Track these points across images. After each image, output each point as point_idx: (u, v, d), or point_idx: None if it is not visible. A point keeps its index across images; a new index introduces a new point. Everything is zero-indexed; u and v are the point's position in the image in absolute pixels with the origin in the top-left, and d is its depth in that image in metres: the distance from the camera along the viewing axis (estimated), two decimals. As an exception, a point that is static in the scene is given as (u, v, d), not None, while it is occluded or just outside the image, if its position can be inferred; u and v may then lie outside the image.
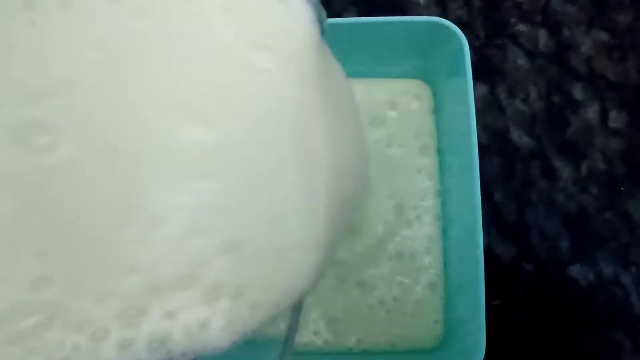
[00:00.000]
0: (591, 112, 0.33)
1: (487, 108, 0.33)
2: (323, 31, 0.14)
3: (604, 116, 0.33)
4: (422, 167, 0.30)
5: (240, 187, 0.12)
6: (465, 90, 0.27)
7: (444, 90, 0.30)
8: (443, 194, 0.30)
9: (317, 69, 0.13)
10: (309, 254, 0.13)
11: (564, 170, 0.32)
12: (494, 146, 0.33)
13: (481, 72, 0.33)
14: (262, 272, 0.13)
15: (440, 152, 0.31)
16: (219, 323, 0.12)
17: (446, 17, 0.28)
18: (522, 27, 0.34)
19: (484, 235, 0.26)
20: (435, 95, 0.31)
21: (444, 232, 0.30)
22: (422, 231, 0.30)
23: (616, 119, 0.33)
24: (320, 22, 0.13)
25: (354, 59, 0.31)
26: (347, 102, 0.15)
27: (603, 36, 0.33)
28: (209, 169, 0.12)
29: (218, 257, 0.12)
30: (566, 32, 0.33)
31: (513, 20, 0.34)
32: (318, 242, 0.13)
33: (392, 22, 0.29)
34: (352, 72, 0.30)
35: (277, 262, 0.13)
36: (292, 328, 0.15)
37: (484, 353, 0.26)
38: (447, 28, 0.28)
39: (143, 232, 0.11)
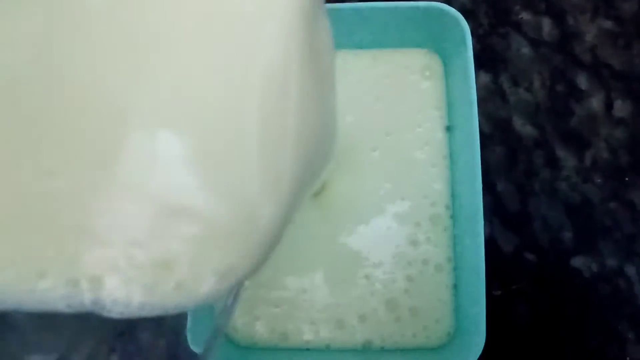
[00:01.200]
0: (595, 102, 0.32)
1: (490, 97, 0.33)
2: None
3: (608, 105, 0.32)
4: (430, 146, 0.30)
5: (201, 130, 0.12)
6: (467, 77, 0.27)
7: (449, 73, 0.30)
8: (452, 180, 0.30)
9: (302, 24, 0.12)
10: (270, 208, 0.13)
11: (568, 159, 0.32)
12: (496, 135, 0.32)
13: (484, 60, 0.33)
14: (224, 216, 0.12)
15: (449, 129, 0.30)
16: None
17: (450, 5, 0.28)
18: (525, 16, 0.33)
19: (486, 225, 0.26)
20: (445, 67, 0.31)
21: (454, 219, 0.29)
22: (429, 219, 0.29)
23: (621, 108, 0.32)
24: None
25: (358, 39, 0.31)
26: (328, 67, 0.15)
27: (608, 24, 0.33)
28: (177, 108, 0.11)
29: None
30: (570, 21, 0.33)
31: (517, 8, 0.34)
32: (280, 201, 0.13)
33: (394, 8, 0.29)
34: (358, 44, 0.30)
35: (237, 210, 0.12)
36: (231, 304, 0.14)
37: (483, 344, 0.26)
38: (448, 14, 0.28)
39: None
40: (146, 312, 0.12)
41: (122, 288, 0.12)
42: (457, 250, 0.29)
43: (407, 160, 0.30)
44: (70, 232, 0.12)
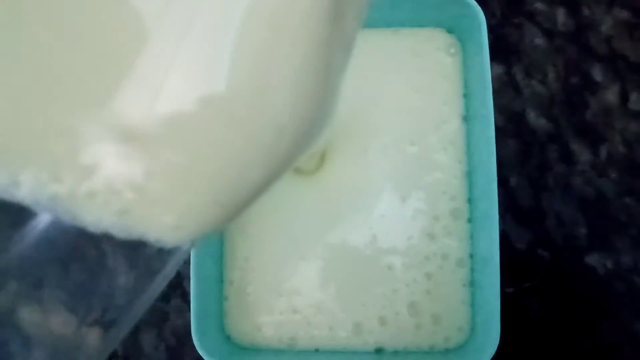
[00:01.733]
0: (611, 94, 0.31)
1: (503, 89, 0.32)
2: None
3: (624, 98, 0.31)
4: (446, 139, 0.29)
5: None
6: (482, 66, 0.26)
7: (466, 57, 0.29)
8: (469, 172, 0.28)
9: None
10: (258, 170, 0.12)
11: (582, 153, 0.31)
12: (509, 128, 0.32)
13: (497, 51, 0.32)
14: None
15: (466, 118, 0.29)
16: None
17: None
18: (540, 5, 0.32)
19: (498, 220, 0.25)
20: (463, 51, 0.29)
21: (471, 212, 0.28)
22: (446, 215, 0.28)
23: (637, 101, 0.31)
24: None
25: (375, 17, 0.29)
26: (350, 36, 0.14)
27: (624, 15, 0.32)
28: None
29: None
30: (586, 11, 0.32)
31: (530, -3, 0.33)
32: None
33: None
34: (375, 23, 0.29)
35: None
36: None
37: (497, 345, 0.25)
38: (462, 1, 0.27)
39: None
40: (113, 231, 0.12)
41: (102, 194, 0.11)
42: (472, 247, 0.28)
43: (422, 149, 0.29)
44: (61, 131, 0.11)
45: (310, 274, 0.28)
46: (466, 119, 0.28)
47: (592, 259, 0.31)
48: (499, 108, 0.31)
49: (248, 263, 0.28)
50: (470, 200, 0.28)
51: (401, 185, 0.28)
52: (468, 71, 0.28)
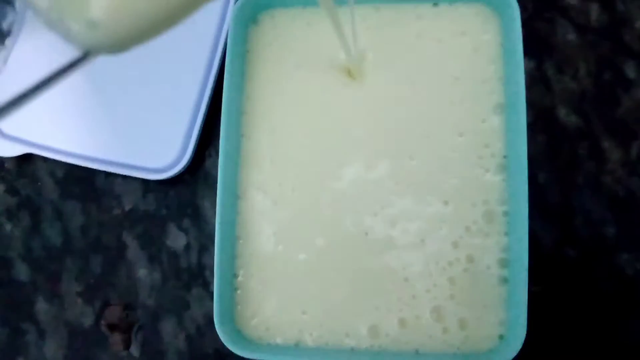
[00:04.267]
0: (644, 92, 0.31)
1: (533, 84, 0.31)
2: None
3: (657, 96, 0.31)
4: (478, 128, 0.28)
5: None
6: (515, 57, 0.26)
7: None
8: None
9: None
10: None
11: (613, 151, 0.31)
12: (539, 124, 0.31)
13: (528, 46, 0.31)
14: None
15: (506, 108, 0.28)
16: None
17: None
18: (572, 0, 0.32)
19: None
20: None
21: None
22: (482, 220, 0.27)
23: (671, 99, 0.31)
24: None
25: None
26: None
27: (660, 11, 0.31)
28: None
29: None
30: (620, 6, 0.32)
31: (564, -8, 0.32)
32: None
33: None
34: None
35: None
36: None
37: (521, 345, 0.25)
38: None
39: None
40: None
41: None
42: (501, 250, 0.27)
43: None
44: None
45: (322, 271, 0.27)
46: (502, 109, 0.27)
47: (621, 259, 0.30)
48: (529, 103, 0.30)
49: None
50: (501, 202, 0.27)
51: (434, 184, 0.27)
52: (506, 57, 0.27)
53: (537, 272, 0.29)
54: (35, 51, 0.34)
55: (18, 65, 0.34)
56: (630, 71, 0.31)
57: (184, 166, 0.32)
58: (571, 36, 0.32)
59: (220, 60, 0.32)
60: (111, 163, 0.33)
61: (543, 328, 0.29)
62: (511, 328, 0.26)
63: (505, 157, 0.27)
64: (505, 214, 0.26)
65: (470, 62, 0.27)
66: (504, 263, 0.26)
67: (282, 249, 0.27)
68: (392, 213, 0.27)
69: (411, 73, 0.28)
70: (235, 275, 0.27)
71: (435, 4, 0.28)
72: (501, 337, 0.26)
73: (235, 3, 0.29)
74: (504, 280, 0.26)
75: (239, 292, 0.27)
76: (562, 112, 0.31)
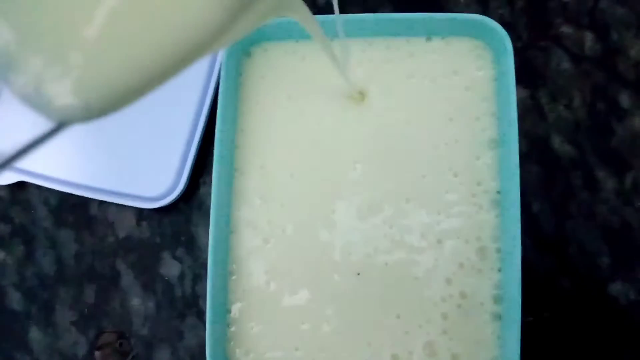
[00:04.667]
0: (638, 121, 0.31)
1: (527, 113, 0.31)
2: None
3: (651, 126, 0.31)
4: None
5: None
6: (508, 93, 0.26)
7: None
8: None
9: None
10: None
11: (607, 181, 0.31)
12: (533, 154, 0.31)
13: (522, 75, 0.31)
14: None
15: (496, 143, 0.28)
16: None
17: (488, 17, 0.26)
18: (567, 29, 0.32)
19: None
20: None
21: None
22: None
23: (665, 129, 0.31)
24: None
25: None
26: None
27: (654, 41, 0.31)
28: None
29: None
30: (614, 35, 0.32)
31: (558, 21, 0.32)
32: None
33: (432, 19, 0.27)
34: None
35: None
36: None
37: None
38: (487, 26, 0.27)
39: None
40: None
41: None
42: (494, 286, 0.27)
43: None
44: None
45: (315, 308, 0.27)
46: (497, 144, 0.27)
47: (615, 289, 0.30)
48: (523, 132, 0.31)
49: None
50: (494, 238, 0.27)
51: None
52: (499, 92, 0.27)
53: (531, 302, 0.29)
54: (19, 112, 0.34)
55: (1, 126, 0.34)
56: (624, 101, 0.31)
57: (178, 195, 0.32)
58: (565, 65, 0.32)
59: (214, 90, 0.32)
60: (105, 191, 0.33)
61: (535, 358, 0.29)
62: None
63: (498, 192, 0.27)
64: (498, 250, 0.26)
65: (463, 101, 0.27)
66: (497, 299, 0.26)
67: (274, 287, 0.27)
68: (385, 255, 0.27)
69: (406, 114, 0.28)
70: (228, 311, 0.27)
71: (429, 39, 0.28)
72: (495, 371, 0.26)
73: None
74: (497, 317, 0.26)
75: (232, 328, 0.27)
76: (556, 142, 0.31)
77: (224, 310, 0.27)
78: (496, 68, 0.27)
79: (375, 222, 0.27)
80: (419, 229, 0.27)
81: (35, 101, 0.14)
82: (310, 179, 0.28)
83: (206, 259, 0.32)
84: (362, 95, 0.28)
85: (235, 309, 0.27)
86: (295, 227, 0.27)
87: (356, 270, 0.27)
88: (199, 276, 0.32)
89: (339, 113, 0.28)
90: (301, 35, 0.28)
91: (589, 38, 0.32)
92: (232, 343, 0.27)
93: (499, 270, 0.26)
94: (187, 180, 0.32)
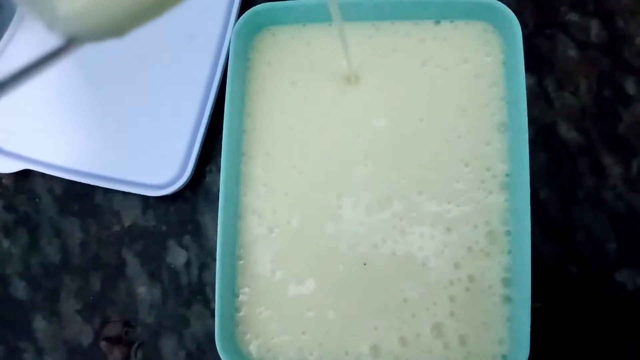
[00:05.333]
0: (644, 108, 0.31)
1: (534, 100, 0.31)
2: None
3: (657, 112, 0.31)
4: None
5: None
6: (517, 74, 0.26)
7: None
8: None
9: None
10: None
11: (614, 167, 0.31)
12: (540, 141, 0.31)
13: (529, 62, 0.31)
14: None
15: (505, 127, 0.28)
16: None
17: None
18: (573, 16, 0.32)
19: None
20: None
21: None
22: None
23: (671, 115, 0.31)
24: None
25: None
26: None
27: (659, 27, 0.31)
28: None
29: None
30: (620, 22, 0.32)
31: (564, 8, 0.32)
32: None
33: (442, 1, 0.27)
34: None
35: None
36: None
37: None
38: (496, 9, 0.27)
39: None
40: None
41: None
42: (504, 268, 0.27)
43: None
44: None
45: (320, 297, 0.27)
46: (505, 127, 0.27)
47: (622, 275, 0.30)
48: (530, 120, 0.31)
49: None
50: (504, 222, 0.27)
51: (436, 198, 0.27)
52: (508, 76, 0.27)
53: (538, 289, 0.29)
54: (27, 48, 0.34)
55: (9, 61, 0.34)
56: (630, 87, 0.31)
57: (185, 182, 0.32)
58: (572, 52, 0.32)
59: (221, 76, 0.32)
60: (110, 179, 0.32)
61: (544, 345, 0.29)
62: (514, 348, 0.26)
63: (507, 175, 0.27)
64: (508, 233, 0.26)
65: (473, 90, 0.27)
66: (506, 282, 0.26)
67: (280, 275, 0.27)
68: (393, 244, 0.27)
69: (417, 107, 0.28)
70: (236, 295, 0.27)
71: (437, 22, 0.28)
72: (504, 357, 0.26)
73: (237, 20, 0.29)
74: (507, 299, 0.26)
75: (240, 313, 0.27)
76: (563, 128, 0.31)
77: (232, 294, 0.27)
78: (505, 52, 0.27)
79: (384, 217, 0.27)
80: (429, 220, 0.27)
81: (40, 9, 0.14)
82: (316, 171, 0.28)
83: (212, 247, 0.32)
84: (356, 78, 0.28)
85: (244, 293, 0.27)
86: (300, 220, 0.27)
87: (362, 261, 0.27)
88: (206, 264, 0.32)
89: (343, 101, 0.28)
90: (308, 18, 0.28)
91: (594, 25, 0.32)
92: (240, 327, 0.27)
93: (509, 252, 0.26)
94: (193, 168, 0.32)
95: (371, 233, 0.27)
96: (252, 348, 0.27)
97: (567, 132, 0.31)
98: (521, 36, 0.25)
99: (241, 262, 0.28)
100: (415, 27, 0.28)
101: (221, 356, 0.26)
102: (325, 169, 0.28)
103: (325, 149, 0.28)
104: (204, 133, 0.32)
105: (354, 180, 0.27)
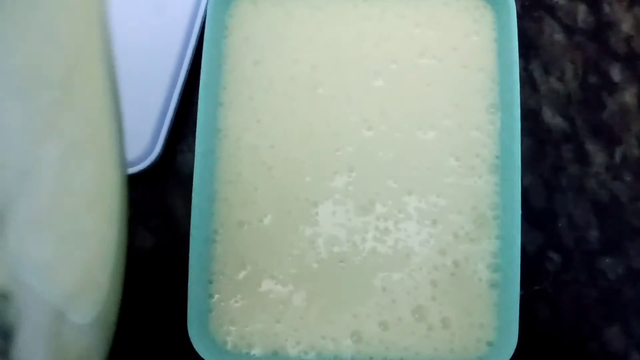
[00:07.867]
0: (629, 95, 0.31)
1: (520, 85, 0.31)
2: None
3: (641, 100, 0.31)
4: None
5: None
6: (510, 50, 0.25)
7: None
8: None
9: None
10: None
11: (597, 155, 0.30)
12: (524, 126, 0.30)
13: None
14: None
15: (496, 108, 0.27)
16: None
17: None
18: (561, 0, 0.31)
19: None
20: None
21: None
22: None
23: (654, 103, 0.31)
24: None
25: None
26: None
27: (645, 15, 0.31)
28: None
29: None
30: (606, 8, 0.31)
31: (552, -9, 0.32)
32: None
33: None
34: None
35: None
36: None
37: (514, 348, 0.24)
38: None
39: None
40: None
41: None
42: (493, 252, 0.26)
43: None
44: None
45: (294, 291, 0.26)
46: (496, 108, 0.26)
47: (603, 264, 0.30)
48: (515, 104, 0.30)
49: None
50: (492, 206, 0.26)
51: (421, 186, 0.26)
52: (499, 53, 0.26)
53: (520, 277, 0.29)
54: None
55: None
56: (615, 74, 0.31)
57: (154, 160, 0.29)
58: (558, 36, 0.31)
59: (194, 49, 0.30)
60: (72, 156, 0.30)
61: (525, 333, 0.29)
62: (502, 334, 0.25)
63: (497, 157, 0.26)
64: (496, 217, 0.25)
65: (463, 79, 0.26)
66: (493, 267, 0.25)
67: (250, 270, 0.26)
68: (374, 242, 0.26)
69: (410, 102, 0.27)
70: (210, 282, 0.26)
71: None
72: (490, 343, 0.25)
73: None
74: (495, 285, 0.25)
75: (213, 299, 0.25)
76: (548, 114, 0.31)
77: (205, 281, 0.25)
78: (497, 29, 0.26)
79: (371, 217, 0.26)
80: (416, 216, 0.26)
81: None
82: (296, 162, 0.26)
83: (183, 231, 0.30)
84: None
85: (217, 280, 0.26)
86: (273, 219, 0.26)
87: (339, 259, 0.25)
88: (175, 249, 0.30)
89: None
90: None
91: (581, 10, 0.31)
92: (213, 314, 0.25)
93: (497, 237, 0.25)
94: (163, 145, 0.29)
95: (351, 234, 0.26)
96: (226, 335, 0.25)
97: (552, 118, 0.31)
98: (515, 11, 0.24)
99: (215, 247, 0.26)
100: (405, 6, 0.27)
101: (194, 345, 0.24)
102: (303, 174, 0.26)
103: (307, 142, 0.26)
104: (175, 107, 0.30)
105: (335, 189, 0.26)
